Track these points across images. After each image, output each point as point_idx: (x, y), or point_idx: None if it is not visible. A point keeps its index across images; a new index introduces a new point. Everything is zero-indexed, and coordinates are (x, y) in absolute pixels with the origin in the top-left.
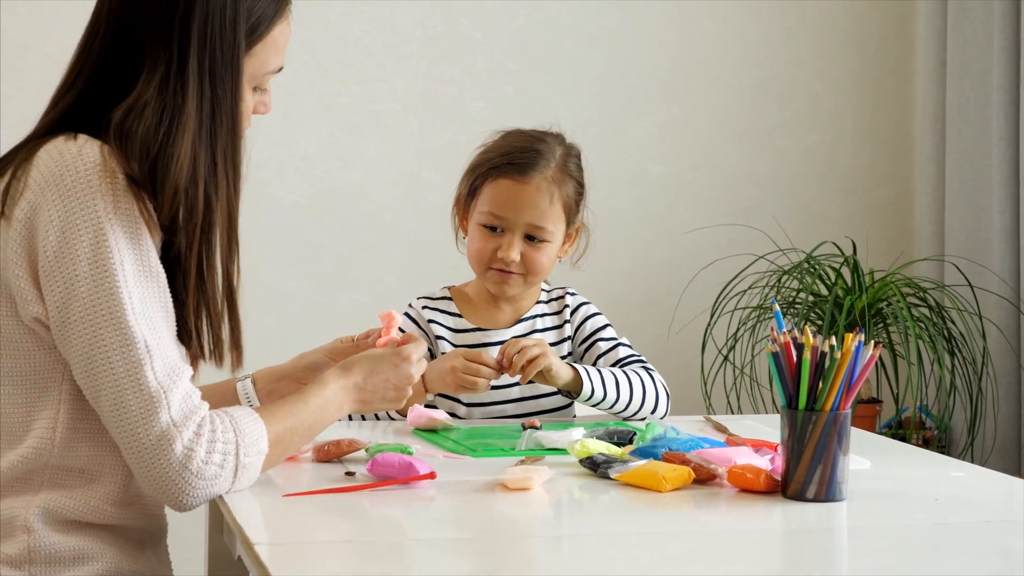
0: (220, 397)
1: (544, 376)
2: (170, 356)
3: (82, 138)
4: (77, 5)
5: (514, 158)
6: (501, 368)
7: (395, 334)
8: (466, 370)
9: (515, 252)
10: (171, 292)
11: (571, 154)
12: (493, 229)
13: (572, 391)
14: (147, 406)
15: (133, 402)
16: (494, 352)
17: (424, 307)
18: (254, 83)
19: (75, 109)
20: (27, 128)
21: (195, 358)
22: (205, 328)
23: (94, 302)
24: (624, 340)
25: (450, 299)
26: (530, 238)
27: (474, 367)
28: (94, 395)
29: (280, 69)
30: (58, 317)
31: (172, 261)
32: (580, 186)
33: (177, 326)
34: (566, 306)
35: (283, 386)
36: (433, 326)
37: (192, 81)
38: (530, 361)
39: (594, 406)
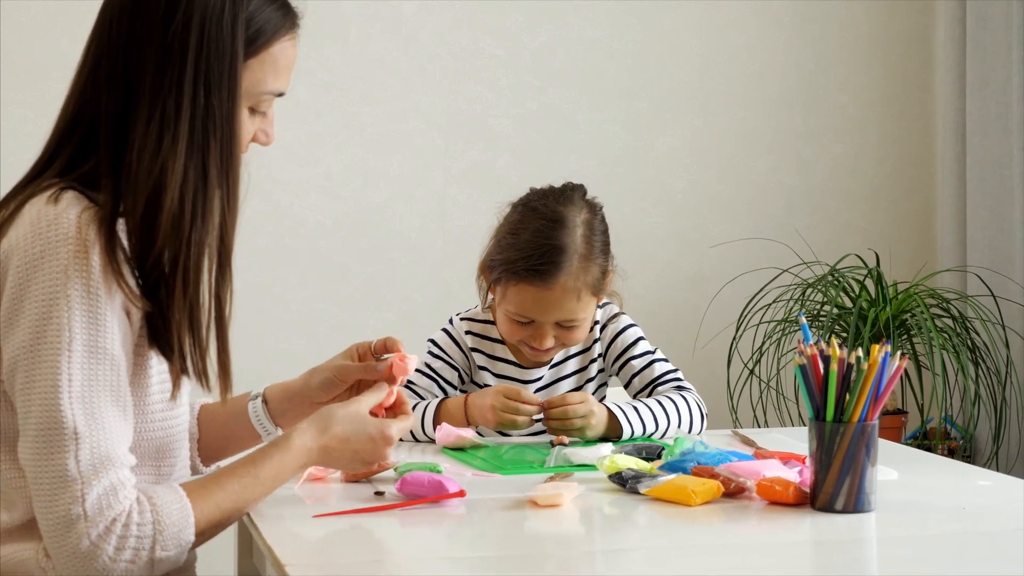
0: (233, 417)
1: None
2: (103, 446)
3: (65, 200)
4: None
5: (534, 263)
6: (540, 409)
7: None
8: (505, 408)
9: (548, 341)
10: (157, 310)
11: (593, 223)
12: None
13: (610, 437)
14: (58, 491)
15: (46, 483)
16: (533, 383)
17: (467, 332)
18: (250, 101)
19: (76, 141)
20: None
21: (179, 376)
22: (189, 352)
23: (31, 376)
24: (659, 355)
25: (492, 323)
26: (563, 323)
27: (513, 406)
28: (23, 461)
29: (281, 94)
30: (7, 380)
31: (158, 278)
32: (606, 254)
33: (162, 343)
34: (596, 322)
35: (295, 406)
36: (476, 355)
37: (187, 89)
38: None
39: None
